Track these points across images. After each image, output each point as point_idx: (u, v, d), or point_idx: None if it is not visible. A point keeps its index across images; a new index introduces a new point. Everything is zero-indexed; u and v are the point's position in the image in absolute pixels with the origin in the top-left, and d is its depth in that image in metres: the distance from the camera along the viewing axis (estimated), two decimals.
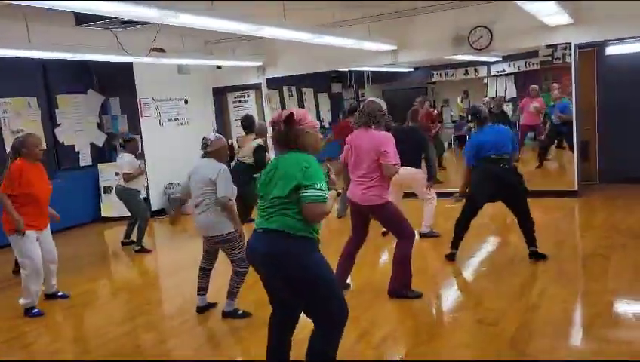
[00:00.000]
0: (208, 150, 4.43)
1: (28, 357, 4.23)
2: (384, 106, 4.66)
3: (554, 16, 7.19)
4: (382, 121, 4.56)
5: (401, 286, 4.62)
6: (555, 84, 9.61)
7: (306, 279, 2.91)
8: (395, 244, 4.68)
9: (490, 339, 3.81)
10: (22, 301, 5.00)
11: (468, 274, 5.36)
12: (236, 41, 9.52)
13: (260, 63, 10.26)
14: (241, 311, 4.51)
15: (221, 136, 4.62)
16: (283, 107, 11.22)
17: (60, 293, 5.36)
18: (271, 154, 6.53)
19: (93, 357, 4.12)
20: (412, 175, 6.21)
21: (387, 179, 4.51)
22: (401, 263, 4.59)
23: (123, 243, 7.50)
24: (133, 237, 7.38)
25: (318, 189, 2.84)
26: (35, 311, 4.98)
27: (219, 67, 10.63)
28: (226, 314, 4.52)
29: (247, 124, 7.13)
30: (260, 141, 6.54)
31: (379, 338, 4.00)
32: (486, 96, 11.47)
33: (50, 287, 5.31)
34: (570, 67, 8.17)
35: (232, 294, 4.48)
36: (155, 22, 5.81)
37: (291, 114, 2.99)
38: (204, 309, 4.70)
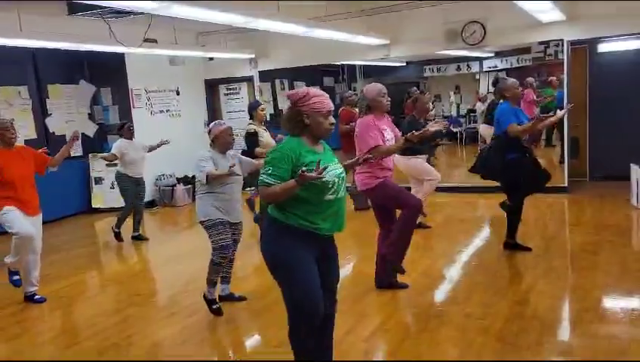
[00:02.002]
0: (211, 138, 4.43)
1: (15, 349, 4.22)
2: (369, 90, 4.50)
3: (547, 12, 7.22)
4: (358, 105, 4.57)
5: (392, 255, 4.57)
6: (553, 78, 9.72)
7: (268, 262, 2.94)
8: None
9: (478, 333, 3.84)
10: (7, 258, 5.04)
11: (457, 268, 5.40)
12: (229, 33, 9.49)
13: (252, 56, 10.23)
14: (215, 307, 4.48)
15: (221, 122, 4.54)
16: (275, 100, 11.20)
17: (36, 297, 5.12)
18: (269, 139, 6.36)
19: (83, 347, 4.12)
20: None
21: (377, 161, 4.37)
22: (401, 227, 4.50)
23: (133, 237, 7.39)
24: (141, 231, 7.44)
25: (262, 172, 2.82)
26: (16, 277, 5.08)
27: (211, 59, 10.60)
28: (204, 296, 4.51)
29: (248, 110, 6.81)
30: (253, 127, 6.47)
31: (368, 331, 4.02)
32: (479, 92, 11.54)
33: (30, 284, 5.11)
34: (562, 64, 8.22)
35: (207, 281, 4.46)
36: (149, 12, 5.78)
37: (287, 95, 2.92)
38: (225, 299, 4.67)
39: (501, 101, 5.37)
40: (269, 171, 2.79)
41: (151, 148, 7.37)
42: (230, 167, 4.31)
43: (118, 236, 7.35)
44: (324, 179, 2.75)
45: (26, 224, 4.91)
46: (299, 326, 2.91)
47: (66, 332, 4.61)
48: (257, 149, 6.20)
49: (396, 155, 6.43)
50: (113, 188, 8.21)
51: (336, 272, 3.11)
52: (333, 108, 2.92)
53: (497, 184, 5.70)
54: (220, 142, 4.39)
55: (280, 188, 2.76)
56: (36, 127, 8.72)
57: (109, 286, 5.90)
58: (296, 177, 2.70)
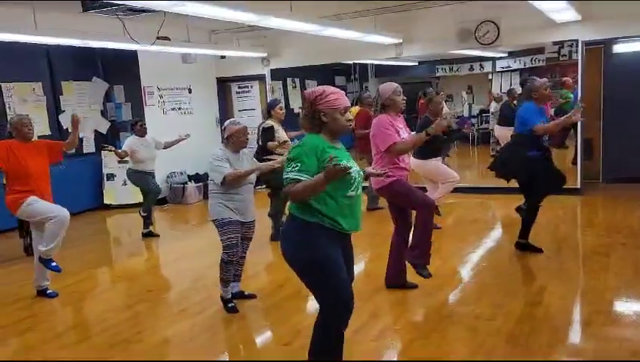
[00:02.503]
0: (225, 136, 4.43)
1: (26, 344, 4.25)
2: (384, 88, 4.50)
3: (561, 12, 7.15)
4: (373, 104, 4.63)
5: (417, 259, 4.57)
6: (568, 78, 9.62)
7: (295, 261, 2.91)
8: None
9: (488, 335, 3.81)
10: (42, 247, 4.98)
11: (468, 269, 5.37)
12: (241, 31, 9.50)
13: (264, 54, 10.23)
14: (230, 305, 4.49)
15: (237, 121, 4.52)
16: (286, 99, 11.20)
17: (48, 291, 5.18)
18: (285, 135, 6.41)
19: (93, 342, 4.15)
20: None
21: (393, 159, 4.41)
22: (419, 230, 4.51)
23: (143, 235, 7.40)
24: (151, 228, 7.46)
25: (287, 170, 2.78)
26: (54, 264, 5.02)
27: (223, 57, 10.62)
28: (222, 300, 4.54)
29: (266, 108, 6.81)
30: (269, 122, 6.39)
31: (377, 330, 4.01)
32: (492, 92, 11.46)
33: (44, 278, 5.17)
34: (576, 64, 8.14)
35: (220, 281, 4.47)
36: (162, 10, 5.80)
37: (303, 94, 2.92)
38: (235, 296, 4.65)
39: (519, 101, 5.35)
40: (298, 167, 2.75)
41: (167, 145, 7.42)
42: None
43: (151, 234, 7.37)
44: (350, 173, 2.77)
45: (57, 206, 4.97)
46: (333, 322, 2.91)
47: (77, 327, 4.65)
48: (270, 143, 6.22)
49: (412, 158, 6.43)
50: (125, 184, 8.27)
51: (351, 271, 3.11)
52: (349, 105, 2.93)
53: (509, 185, 5.67)
54: (234, 141, 4.39)
55: (313, 183, 2.71)
56: (50, 124, 8.79)
57: (120, 282, 5.93)
58: (324, 172, 2.67)
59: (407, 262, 4.69)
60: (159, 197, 7.82)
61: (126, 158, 7.19)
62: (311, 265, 2.87)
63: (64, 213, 4.96)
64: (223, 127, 4.50)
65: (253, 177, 4.51)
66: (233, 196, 4.35)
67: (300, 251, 2.89)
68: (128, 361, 3.79)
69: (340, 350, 3.01)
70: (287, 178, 2.77)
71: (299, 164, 2.76)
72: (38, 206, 4.92)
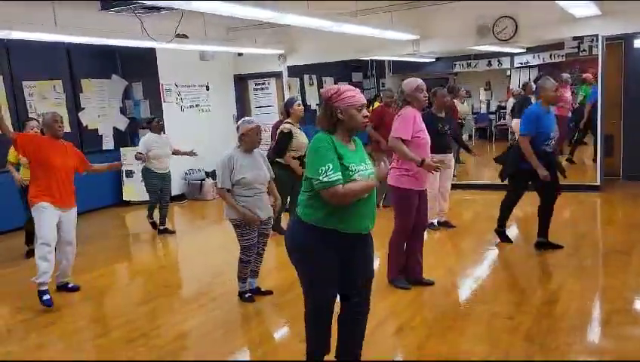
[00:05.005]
0: (238, 134, 4.43)
1: (47, 337, 4.32)
2: (407, 84, 4.51)
3: (581, 7, 7.05)
4: (396, 98, 4.68)
5: (393, 272, 4.77)
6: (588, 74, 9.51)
7: (293, 261, 3.04)
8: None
9: (506, 332, 3.80)
10: (36, 279, 4.81)
11: (485, 266, 5.34)
12: (258, 28, 9.53)
13: (281, 51, 10.25)
14: (247, 295, 4.64)
15: (250, 120, 4.49)
16: (303, 95, 11.21)
17: (70, 285, 5.22)
18: (303, 139, 6.30)
19: (112, 337, 4.21)
20: None
21: (409, 163, 4.41)
22: (389, 248, 4.77)
23: (159, 231, 7.41)
24: (167, 225, 7.52)
25: (319, 176, 2.74)
26: (45, 297, 4.77)
27: (240, 54, 10.67)
28: (239, 294, 4.67)
29: (284, 107, 6.59)
30: (288, 126, 6.18)
31: (394, 327, 4.02)
32: (510, 88, 11.36)
33: (64, 276, 5.19)
34: (595, 60, 8.03)
35: (238, 278, 4.62)
36: (179, 7, 5.84)
37: (320, 93, 2.99)
38: (251, 293, 4.73)
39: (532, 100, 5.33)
40: (331, 169, 2.74)
41: (176, 152, 7.38)
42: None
43: (154, 226, 7.45)
44: (353, 177, 2.80)
45: (52, 231, 4.83)
46: (308, 313, 3.09)
47: (97, 322, 4.71)
48: (286, 157, 6.13)
49: None
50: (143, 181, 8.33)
51: (368, 270, 3.12)
52: (365, 102, 2.95)
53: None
54: (247, 140, 4.39)
55: (360, 186, 2.81)
56: (70, 121, 8.90)
57: (138, 277, 6.00)
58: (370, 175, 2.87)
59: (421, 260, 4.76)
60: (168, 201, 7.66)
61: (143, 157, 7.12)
62: (297, 265, 3.03)
63: (48, 241, 4.78)
64: (236, 126, 4.48)
65: (265, 177, 4.52)
66: (245, 198, 4.37)
67: (294, 252, 3.02)
68: (145, 361, 3.84)
69: (348, 348, 3.14)
70: (325, 182, 2.73)
71: (330, 165, 2.75)
72: (42, 216, 4.81)
